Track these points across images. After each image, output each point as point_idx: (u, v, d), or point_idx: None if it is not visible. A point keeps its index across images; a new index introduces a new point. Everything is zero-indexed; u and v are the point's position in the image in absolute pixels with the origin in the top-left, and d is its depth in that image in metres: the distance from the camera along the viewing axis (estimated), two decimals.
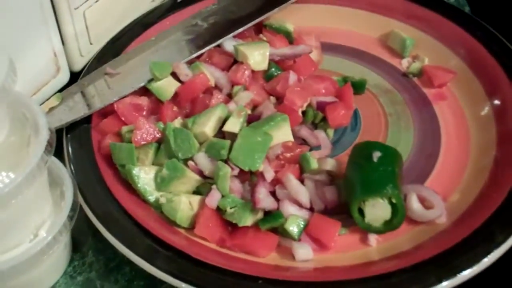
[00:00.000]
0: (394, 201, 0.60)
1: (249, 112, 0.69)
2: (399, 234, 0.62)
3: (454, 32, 0.78)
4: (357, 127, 0.73)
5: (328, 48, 0.83)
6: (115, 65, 0.75)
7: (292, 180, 0.63)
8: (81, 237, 0.66)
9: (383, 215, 0.60)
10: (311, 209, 0.63)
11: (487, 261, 0.55)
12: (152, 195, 0.64)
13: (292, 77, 0.72)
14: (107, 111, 0.71)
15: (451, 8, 0.81)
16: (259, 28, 0.82)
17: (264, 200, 0.61)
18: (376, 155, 0.62)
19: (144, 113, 0.70)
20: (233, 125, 0.65)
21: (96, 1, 0.74)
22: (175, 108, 0.70)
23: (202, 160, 0.64)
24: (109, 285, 0.62)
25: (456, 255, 0.56)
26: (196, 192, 0.65)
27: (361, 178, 0.61)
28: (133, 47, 0.79)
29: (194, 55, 0.75)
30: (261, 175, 0.64)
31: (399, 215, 0.60)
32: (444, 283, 0.54)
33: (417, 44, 0.80)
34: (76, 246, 0.65)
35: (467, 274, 0.55)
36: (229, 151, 0.64)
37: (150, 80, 0.71)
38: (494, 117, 0.71)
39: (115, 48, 0.79)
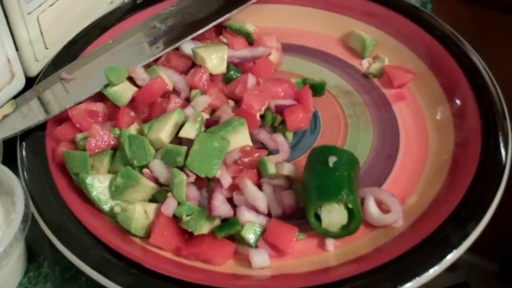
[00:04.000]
0: (350, 206, 0.60)
1: (207, 116, 0.69)
2: (357, 238, 0.62)
3: (414, 31, 0.78)
4: (316, 130, 0.73)
5: (289, 49, 0.82)
6: (71, 70, 0.74)
7: (249, 186, 0.63)
8: (37, 247, 0.65)
9: (340, 220, 0.60)
10: (269, 215, 0.63)
11: (442, 265, 0.55)
12: (107, 204, 0.63)
13: (251, 80, 0.72)
14: (63, 118, 0.70)
15: (410, 8, 0.81)
16: (219, 30, 0.81)
17: (220, 207, 0.61)
18: (332, 159, 0.61)
19: (100, 119, 0.69)
20: (189, 131, 0.65)
21: (50, 5, 0.72)
22: (132, 114, 0.69)
23: (158, 167, 0.63)
24: None
25: (411, 261, 0.56)
26: (153, 200, 0.64)
27: (317, 183, 0.61)
28: (91, 50, 0.78)
29: (152, 59, 0.74)
30: (218, 181, 0.63)
31: (355, 219, 0.60)
32: None
33: (377, 44, 0.80)
34: (31, 256, 0.64)
35: (421, 279, 0.54)
36: (185, 157, 0.63)
37: (106, 85, 0.70)
38: (453, 118, 0.71)
39: (71, 52, 0.78)
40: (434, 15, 0.80)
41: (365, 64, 0.80)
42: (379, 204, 0.63)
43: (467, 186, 0.62)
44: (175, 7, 0.81)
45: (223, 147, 0.64)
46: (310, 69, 0.80)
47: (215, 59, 0.72)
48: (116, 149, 0.66)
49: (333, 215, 0.60)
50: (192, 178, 0.63)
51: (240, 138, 0.66)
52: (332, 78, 0.78)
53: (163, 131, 0.65)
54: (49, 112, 0.70)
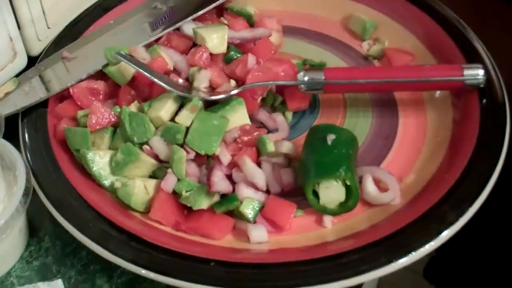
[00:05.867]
0: (348, 183, 0.60)
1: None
2: (354, 214, 0.62)
3: (413, 13, 0.78)
4: (316, 110, 0.73)
5: (289, 31, 0.82)
6: (72, 49, 0.75)
7: (248, 163, 0.63)
8: (38, 221, 0.66)
9: (338, 197, 0.61)
10: (267, 192, 0.64)
11: (438, 240, 0.56)
12: (107, 180, 0.64)
13: (251, 60, 0.72)
14: (64, 96, 0.71)
15: None
16: (220, 11, 0.82)
17: (219, 183, 0.62)
18: (330, 137, 0.62)
19: (101, 97, 0.70)
20: (184, 118, 0.65)
21: None
22: (133, 92, 0.70)
23: (158, 144, 0.64)
24: (65, 269, 0.62)
25: (407, 236, 0.57)
26: (153, 176, 0.65)
27: (315, 160, 0.62)
28: (92, 30, 0.78)
29: (153, 39, 0.74)
30: (217, 158, 0.64)
31: (353, 196, 0.61)
32: (394, 263, 0.54)
33: (377, 27, 0.80)
34: (32, 231, 0.65)
35: (417, 254, 0.55)
36: (185, 135, 0.63)
37: (107, 64, 0.71)
38: (451, 97, 0.71)
39: (73, 32, 0.78)
40: None
41: (365, 47, 0.80)
42: (377, 182, 0.64)
43: (465, 164, 0.62)
44: None
45: (222, 125, 0.64)
46: (310, 51, 0.80)
47: (216, 38, 0.73)
48: (116, 126, 0.67)
49: (331, 192, 0.60)
50: (192, 155, 0.63)
51: (238, 117, 0.66)
52: (332, 60, 0.79)
53: (163, 109, 0.65)
54: (50, 90, 0.70)
